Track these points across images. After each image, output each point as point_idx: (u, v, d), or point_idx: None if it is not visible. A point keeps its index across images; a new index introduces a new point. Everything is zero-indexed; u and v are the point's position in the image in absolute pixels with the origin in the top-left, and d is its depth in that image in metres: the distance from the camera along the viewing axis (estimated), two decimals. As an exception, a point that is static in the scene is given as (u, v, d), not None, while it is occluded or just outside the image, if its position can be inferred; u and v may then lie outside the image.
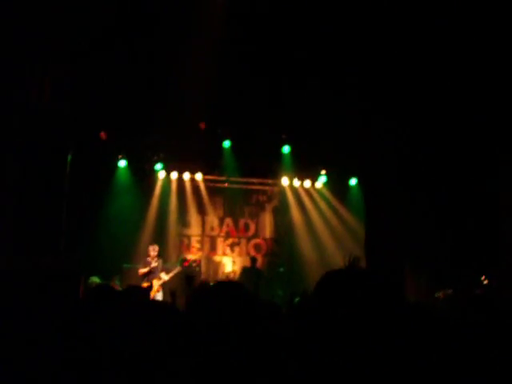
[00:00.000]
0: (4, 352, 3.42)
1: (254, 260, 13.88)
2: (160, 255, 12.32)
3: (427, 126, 12.89)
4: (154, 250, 12.06)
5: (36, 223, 8.56)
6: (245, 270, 13.66)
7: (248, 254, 15.43)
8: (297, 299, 12.83)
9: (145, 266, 11.95)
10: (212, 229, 15.64)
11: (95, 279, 12.51)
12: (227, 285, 3.12)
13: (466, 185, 13.10)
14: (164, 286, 11.75)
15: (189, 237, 15.35)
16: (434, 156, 13.28)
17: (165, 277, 11.79)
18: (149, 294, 10.90)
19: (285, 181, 15.56)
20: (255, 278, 13.20)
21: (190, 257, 14.68)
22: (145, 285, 11.55)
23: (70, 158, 12.31)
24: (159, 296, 11.66)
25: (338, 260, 12.36)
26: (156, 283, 11.64)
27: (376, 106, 12.58)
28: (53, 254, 8.61)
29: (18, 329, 3.89)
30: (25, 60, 9.35)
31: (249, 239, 15.87)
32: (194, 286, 7.08)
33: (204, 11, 11.34)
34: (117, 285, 12.62)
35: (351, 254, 1.98)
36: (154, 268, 11.83)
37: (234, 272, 13.42)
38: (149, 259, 11.96)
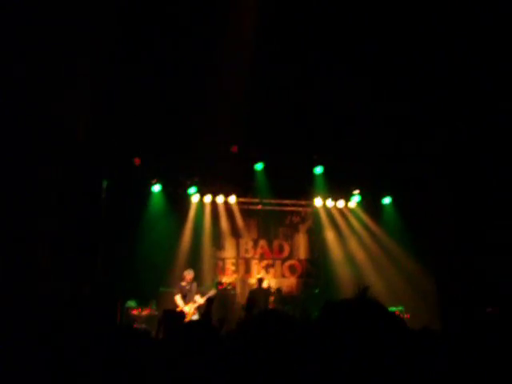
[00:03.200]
0: (46, 378, 3.49)
1: (260, 281, 13.79)
2: (195, 278, 12.34)
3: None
4: (189, 274, 12.08)
5: (74, 249, 8.71)
6: (251, 292, 13.59)
7: (283, 275, 15.40)
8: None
9: (178, 291, 11.97)
10: (246, 251, 15.67)
11: (132, 303, 12.66)
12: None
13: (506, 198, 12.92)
14: (199, 308, 11.75)
15: (223, 259, 15.40)
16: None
17: (200, 300, 11.81)
18: (183, 319, 10.94)
19: (318, 201, 15.54)
20: (261, 299, 13.07)
21: (225, 280, 14.70)
22: (179, 309, 11.59)
23: (105, 183, 12.53)
24: (195, 318, 11.67)
25: (373, 280, 12.35)
26: (191, 306, 11.67)
27: (407, 124, 12.56)
28: (90, 280, 8.73)
29: (57, 353, 3.97)
30: (62, 90, 9.59)
31: (283, 260, 15.85)
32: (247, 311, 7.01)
33: (235, 32, 11.48)
34: (153, 308, 12.73)
35: (362, 283, 1.96)
36: (188, 291, 11.85)
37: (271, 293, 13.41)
38: (183, 283, 11.98)
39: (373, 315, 1.69)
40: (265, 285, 13.85)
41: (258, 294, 13.24)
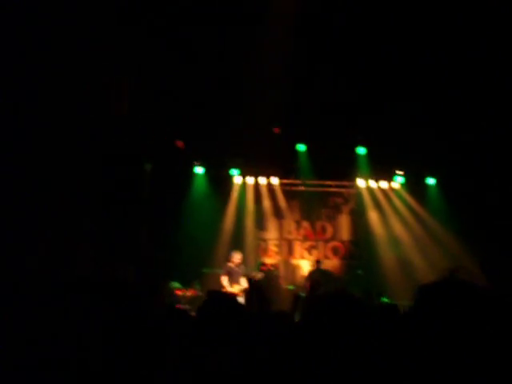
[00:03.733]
0: (81, 361, 3.58)
1: (318, 262, 13.80)
2: (242, 260, 12.33)
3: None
4: (237, 256, 12.06)
5: (118, 232, 8.85)
6: (311, 273, 13.61)
7: (326, 256, 15.37)
8: (384, 299, 12.74)
9: (225, 272, 11.96)
10: (289, 232, 15.68)
11: (176, 284, 12.82)
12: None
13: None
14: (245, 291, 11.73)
15: (266, 241, 15.45)
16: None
17: (245, 283, 11.79)
18: (234, 299, 10.97)
19: (361, 182, 15.43)
20: (323, 280, 13.09)
21: (268, 261, 14.75)
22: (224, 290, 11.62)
23: (149, 166, 12.67)
24: (240, 301, 11.66)
25: (416, 261, 12.20)
26: (237, 288, 11.66)
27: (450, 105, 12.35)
28: (135, 262, 8.86)
29: (94, 339, 4.05)
30: (105, 74, 9.69)
31: (326, 242, 15.81)
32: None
33: (278, 13, 11.41)
34: (197, 289, 12.86)
35: (456, 265, 1.88)
36: (235, 273, 11.85)
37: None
38: (230, 265, 11.97)
39: (468, 298, 1.65)
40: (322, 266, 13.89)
41: (318, 276, 13.29)
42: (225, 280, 11.85)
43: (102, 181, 9.05)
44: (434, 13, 10.87)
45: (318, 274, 13.46)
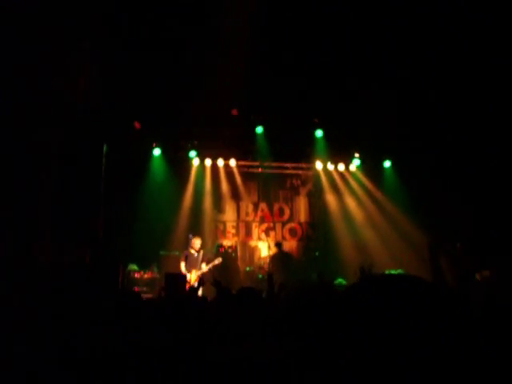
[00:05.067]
0: (48, 342, 3.55)
1: (279, 245, 13.93)
2: (201, 246, 12.32)
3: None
4: (197, 242, 12.00)
5: (74, 214, 8.75)
6: (272, 257, 13.71)
7: (283, 238, 15.48)
8: (339, 280, 12.92)
9: (184, 257, 11.92)
10: (247, 214, 15.74)
11: (134, 267, 12.77)
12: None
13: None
14: (203, 276, 11.76)
15: (224, 222, 15.48)
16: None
17: (204, 268, 11.82)
18: (185, 281, 11.01)
19: (318, 164, 15.54)
20: (285, 262, 13.24)
21: (226, 243, 14.80)
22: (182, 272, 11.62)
23: (105, 148, 12.50)
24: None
25: (372, 242, 12.40)
26: (195, 273, 11.66)
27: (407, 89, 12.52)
28: (91, 244, 8.79)
29: (60, 320, 4.03)
30: (61, 57, 9.52)
31: (284, 224, 15.92)
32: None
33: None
34: (155, 272, 12.84)
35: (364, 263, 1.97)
36: (194, 259, 11.82)
37: (269, 257, 13.46)
38: (191, 251, 11.92)
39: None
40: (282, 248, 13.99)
41: (280, 259, 13.38)
42: (183, 266, 11.83)
43: (58, 163, 8.91)
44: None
45: (279, 256, 13.57)
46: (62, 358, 3.34)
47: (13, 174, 8.60)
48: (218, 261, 12.06)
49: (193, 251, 11.91)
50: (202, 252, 12.05)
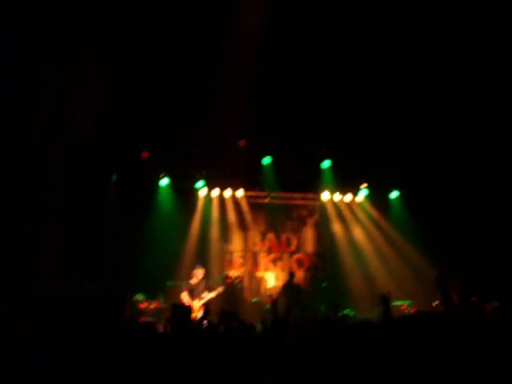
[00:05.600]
0: (52, 374, 3.54)
1: (292, 275, 13.85)
2: (204, 276, 12.27)
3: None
4: (198, 273, 11.91)
5: (81, 243, 8.77)
6: (285, 286, 13.65)
7: (291, 268, 15.40)
8: (347, 312, 12.85)
9: (186, 288, 11.85)
10: (254, 244, 15.70)
11: (140, 297, 12.72)
12: None
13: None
14: (206, 305, 11.67)
15: (231, 253, 15.44)
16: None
17: (207, 296, 11.76)
18: (190, 313, 10.93)
19: (326, 195, 15.55)
20: (295, 293, 13.18)
21: (232, 273, 14.75)
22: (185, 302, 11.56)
23: (114, 178, 12.57)
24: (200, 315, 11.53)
25: (379, 273, 12.34)
26: (198, 303, 11.59)
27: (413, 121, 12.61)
28: (98, 275, 8.79)
29: (64, 352, 4.02)
30: (72, 88, 9.65)
31: (291, 254, 15.87)
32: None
33: (243, 26, 11.49)
34: (161, 302, 12.79)
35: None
36: (196, 289, 11.74)
37: (276, 288, 13.38)
38: (191, 281, 11.86)
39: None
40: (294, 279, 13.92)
41: (290, 289, 13.32)
42: (185, 296, 11.75)
43: (67, 193, 8.96)
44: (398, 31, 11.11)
45: (290, 286, 13.50)
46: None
47: (21, 201, 8.64)
48: (220, 289, 12.01)
49: (192, 282, 11.83)
50: (203, 282, 11.97)
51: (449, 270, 12.11)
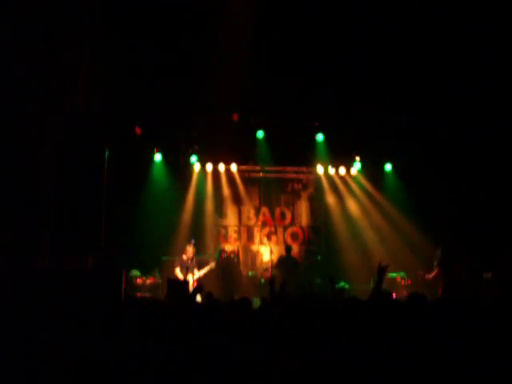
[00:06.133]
0: (49, 348, 3.55)
1: (289, 249, 13.89)
2: (197, 249, 12.29)
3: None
4: (190, 249, 11.94)
5: (75, 220, 8.73)
6: (281, 260, 13.70)
7: (285, 242, 15.45)
8: (342, 284, 12.95)
9: (178, 264, 11.91)
10: (248, 218, 15.72)
11: (136, 272, 12.76)
12: None
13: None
14: (199, 281, 11.73)
15: (226, 227, 15.46)
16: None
17: (198, 273, 11.84)
18: (187, 286, 11.00)
19: (319, 168, 15.52)
20: (291, 267, 13.25)
21: (228, 247, 14.80)
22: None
23: (107, 153, 12.47)
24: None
25: (374, 246, 12.45)
26: (191, 278, 11.64)
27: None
28: (94, 250, 8.76)
29: (62, 327, 4.02)
30: (60, 62, 9.53)
31: (285, 228, 15.91)
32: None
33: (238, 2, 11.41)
34: (157, 277, 12.83)
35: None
36: (188, 265, 11.77)
37: (271, 261, 13.40)
38: (184, 257, 11.90)
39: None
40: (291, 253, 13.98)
41: (286, 262, 13.38)
42: (178, 271, 11.81)
43: (59, 168, 8.89)
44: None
45: (287, 260, 13.57)
46: (64, 364, 3.34)
47: (12, 179, 8.58)
48: (211, 266, 12.06)
49: (185, 258, 11.88)
50: (194, 260, 12.01)
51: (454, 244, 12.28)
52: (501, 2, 10.78)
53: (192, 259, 11.91)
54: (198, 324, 3.83)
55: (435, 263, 12.22)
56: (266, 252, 14.93)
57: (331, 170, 15.66)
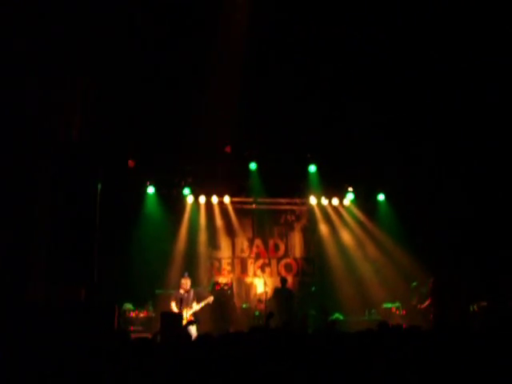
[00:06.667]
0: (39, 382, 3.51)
1: (284, 280, 13.84)
2: (192, 283, 12.22)
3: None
4: (186, 282, 11.88)
5: (69, 253, 8.70)
6: (276, 291, 13.64)
7: (279, 274, 15.39)
8: (336, 316, 12.89)
9: (174, 298, 11.80)
10: (242, 250, 15.66)
11: (129, 306, 12.66)
12: None
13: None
14: (196, 315, 11.63)
15: (219, 259, 15.39)
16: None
17: (196, 306, 11.71)
18: (181, 320, 10.91)
19: (312, 199, 15.53)
20: (287, 299, 13.19)
21: (221, 280, 14.71)
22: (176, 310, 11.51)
23: (99, 186, 12.48)
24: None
25: (368, 276, 12.46)
26: (187, 312, 11.50)
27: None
28: (86, 283, 8.72)
29: (56, 361, 3.98)
30: (55, 94, 9.58)
31: (279, 259, 15.85)
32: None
33: (227, 36, 11.51)
34: (150, 311, 12.73)
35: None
36: (185, 298, 11.66)
37: (265, 293, 13.34)
38: (180, 291, 11.82)
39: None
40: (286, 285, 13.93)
41: (282, 294, 13.32)
42: (173, 306, 11.69)
43: (52, 200, 8.90)
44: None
45: (283, 291, 13.51)
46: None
47: (5, 211, 8.57)
48: (209, 300, 11.94)
49: (182, 291, 11.79)
50: (192, 292, 11.91)
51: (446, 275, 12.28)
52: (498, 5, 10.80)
53: (189, 291, 11.83)
54: (190, 358, 3.80)
55: (428, 293, 12.24)
56: (260, 284, 14.85)
57: (324, 201, 15.68)
